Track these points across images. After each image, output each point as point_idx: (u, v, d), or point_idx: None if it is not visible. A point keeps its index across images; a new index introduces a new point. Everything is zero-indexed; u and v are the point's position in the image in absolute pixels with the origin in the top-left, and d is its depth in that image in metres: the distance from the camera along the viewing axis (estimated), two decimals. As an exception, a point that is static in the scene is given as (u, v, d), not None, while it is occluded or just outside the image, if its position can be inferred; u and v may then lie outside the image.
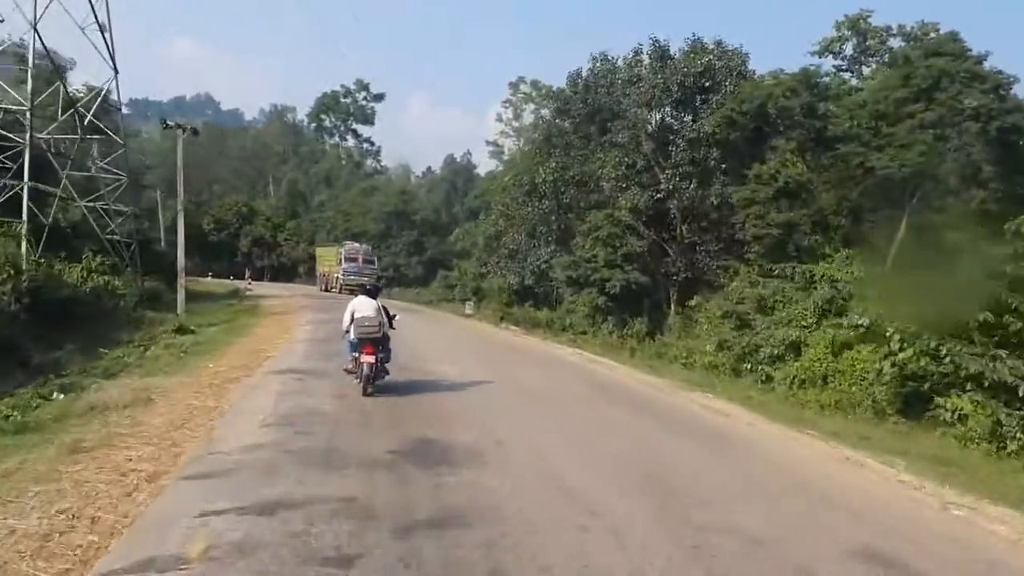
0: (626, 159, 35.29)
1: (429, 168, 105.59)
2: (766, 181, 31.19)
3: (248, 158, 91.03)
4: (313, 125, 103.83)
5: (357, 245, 49.15)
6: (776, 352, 20.57)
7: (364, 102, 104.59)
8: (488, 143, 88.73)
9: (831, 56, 39.77)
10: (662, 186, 34.41)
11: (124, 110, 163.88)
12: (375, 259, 49.40)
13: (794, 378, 18.09)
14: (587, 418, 12.20)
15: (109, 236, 29.68)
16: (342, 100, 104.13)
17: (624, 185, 34.94)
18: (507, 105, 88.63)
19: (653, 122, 36.60)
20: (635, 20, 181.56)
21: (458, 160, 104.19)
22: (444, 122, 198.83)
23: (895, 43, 37.67)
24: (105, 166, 31.71)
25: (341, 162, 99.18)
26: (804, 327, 20.53)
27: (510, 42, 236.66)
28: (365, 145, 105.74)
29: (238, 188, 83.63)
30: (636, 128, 35.85)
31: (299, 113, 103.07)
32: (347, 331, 12.06)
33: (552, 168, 35.83)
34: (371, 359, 11.60)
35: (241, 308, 31.50)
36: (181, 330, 20.63)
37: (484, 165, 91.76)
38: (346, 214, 65.05)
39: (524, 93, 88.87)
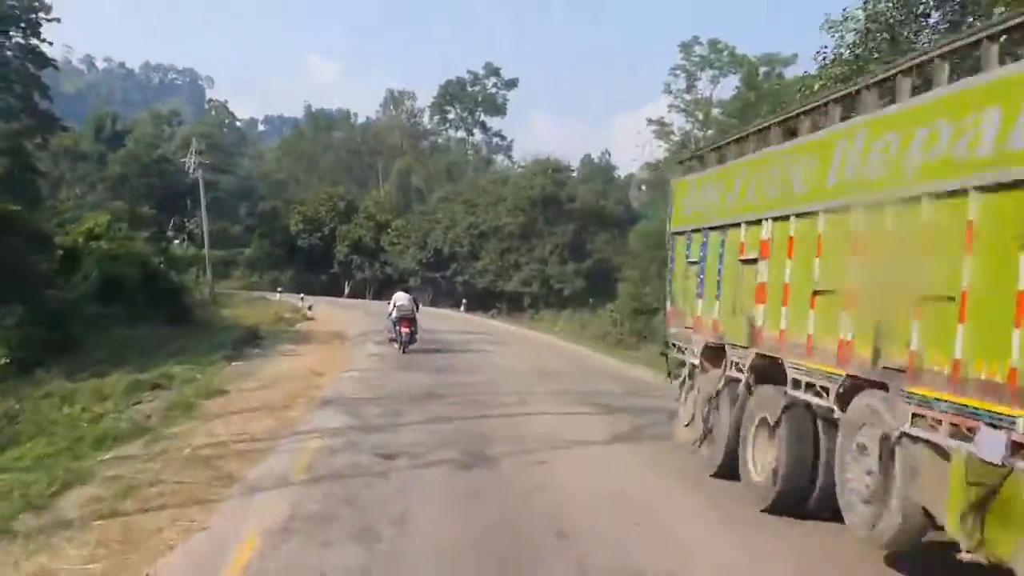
0: None
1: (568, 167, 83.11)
2: None
3: (358, 151, 71.31)
4: (436, 118, 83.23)
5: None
6: None
7: (494, 90, 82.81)
8: (650, 122, 64.16)
9: None
10: None
11: (260, 126, 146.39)
12: None
13: None
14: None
15: None
16: (469, 88, 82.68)
17: None
18: (677, 72, 63.58)
19: None
20: None
21: (595, 160, 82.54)
22: (566, 129, 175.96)
23: None
24: None
25: (467, 157, 78.52)
26: None
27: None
28: (495, 140, 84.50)
29: (342, 183, 63.82)
30: None
31: (420, 100, 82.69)
32: (390, 314, 17.20)
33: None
34: (407, 330, 16.77)
35: (178, 396, 9.31)
36: None
37: (624, 166, 67.93)
38: (471, 204, 42.99)
39: (700, 56, 64.02)
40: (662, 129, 66.06)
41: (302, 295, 35.31)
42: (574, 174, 47.64)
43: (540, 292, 37.60)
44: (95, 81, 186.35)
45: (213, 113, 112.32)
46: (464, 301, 40.46)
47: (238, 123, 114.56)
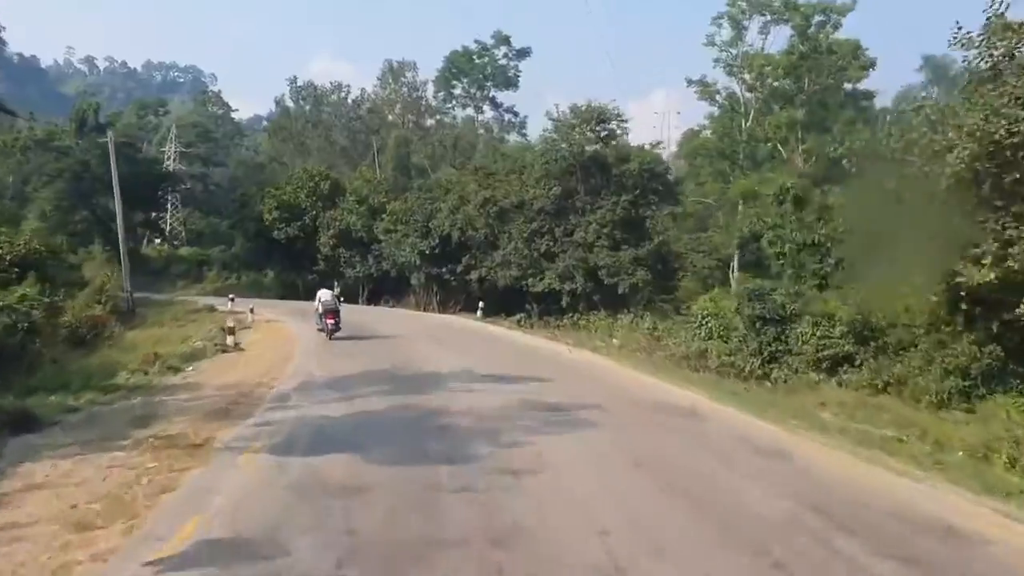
0: None
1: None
2: None
3: (352, 130, 60.03)
4: (441, 94, 71.48)
5: None
6: None
7: (505, 60, 70.69)
8: (691, 83, 52.24)
9: None
10: None
11: (265, 123, 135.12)
12: None
13: None
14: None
15: None
16: (476, 60, 70.55)
17: None
18: (720, 22, 51.52)
19: None
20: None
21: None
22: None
23: None
24: None
25: (477, 137, 67.17)
26: None
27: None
28: (508, 116, 72.68)
29: (336, 168, 52.61)
30: None
31: (421, 73, 71.12)
32: (317, 308, 20.16)
33: None
34: (332, 321, 19.43)
35: None
36: None
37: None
38: (486, 174, 31.60)
39: (747, 2, 51.99)
40: (705, 90, 54.32)
41: (251, 307, 24.19)
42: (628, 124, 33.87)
43: (584, 288, 26.28)
44: (97, 82, 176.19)
45: (206, 105, 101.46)
46: (481, 304, 29.11)
47: (233, 114, 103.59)
